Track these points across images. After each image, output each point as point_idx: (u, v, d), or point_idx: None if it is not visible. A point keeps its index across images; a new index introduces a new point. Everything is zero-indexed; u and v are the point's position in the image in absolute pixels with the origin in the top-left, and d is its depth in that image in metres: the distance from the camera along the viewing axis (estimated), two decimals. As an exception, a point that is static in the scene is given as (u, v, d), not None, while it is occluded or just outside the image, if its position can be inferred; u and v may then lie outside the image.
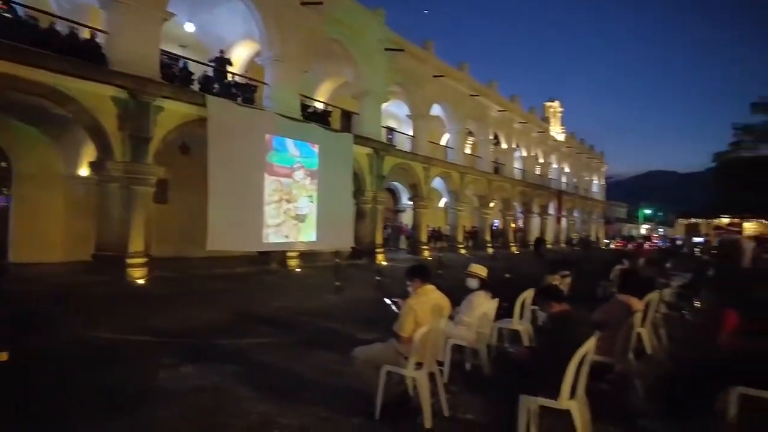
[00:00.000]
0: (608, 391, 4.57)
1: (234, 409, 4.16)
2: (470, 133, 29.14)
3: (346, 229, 16.67)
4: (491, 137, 29.63)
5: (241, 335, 6.91)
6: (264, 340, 6.68)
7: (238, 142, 12.39)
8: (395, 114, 25.58)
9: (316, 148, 14.82)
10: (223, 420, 3.94)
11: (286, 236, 13.97)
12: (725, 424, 3.47)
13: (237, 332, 7.10)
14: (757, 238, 26.65)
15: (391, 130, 24.12)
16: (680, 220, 53.00)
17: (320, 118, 16.48)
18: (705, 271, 7.37)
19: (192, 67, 13.29)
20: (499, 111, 29.44)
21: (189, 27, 15.13)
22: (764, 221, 33.65)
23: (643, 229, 71.19)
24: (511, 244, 31.46)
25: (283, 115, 13.77)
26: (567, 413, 3.28)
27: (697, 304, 5.32)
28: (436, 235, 28.17)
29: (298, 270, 14.13)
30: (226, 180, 12.04)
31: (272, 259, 14.03)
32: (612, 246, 31.21)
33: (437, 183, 25.09)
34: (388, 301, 4.80)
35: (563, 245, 36.98)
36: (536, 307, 5.45)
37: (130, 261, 10.60)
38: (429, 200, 23.49)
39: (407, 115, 23.16)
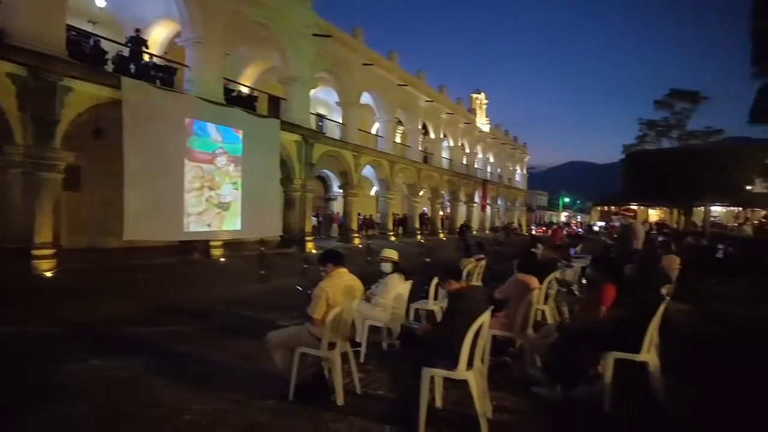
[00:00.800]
0: (509, 362, 4.98)
1: (145, 400, 4.10)
2: (400, 123, 29.55)
3: (274, 218, 16.41)
4: (420, 127, 30.22)
5: (157, 326, 6.72)
6: (181, 330, 6.55)
7: (156, 126, 11.81)
8: (325, 101, 25.42)
9: (239, 134, 14.43)
10: (133, 411, 3.87)
11: (209, 225, 13.56)
12: (603, 385, 3.90)
13: (153, 323, 6.90)
14: (658, 224, 29.28)
15: (320, 117, 23.96)
16: (596, 208, 56.91)
17: (245, 102, 16.02)
18: (606, 253, 8.09)
19: (105, 46, 12.45)
20: (428, 101, 30.05)
21: (100, 1, 14.14)
22: (665, 208, 36.91)
23: (563, 216, 75.86)
24: (440, 231, 32.43)
25: (204, 99, 13.28)
26: (465, 382, 3.54)
27: (584, 281, 5.86)
28: (367, 223, 28.47)
29: (222, 260, 13.79)
30: (143, 166, 11.47)
31: (194, 248, 13.57)
32: (534, 232, 33.03)
33: (368, 171, 25.31)
34: (299, 287, 4.89)
35: (488, 232, 38.58)
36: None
37: (36, 252, 9.86)
38: (359, 188, 23.64)
39: (337, 103, 23.09)
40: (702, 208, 22.45)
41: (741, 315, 7.38)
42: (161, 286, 9.94)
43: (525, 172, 55.76)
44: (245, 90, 17.48)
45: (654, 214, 43.63)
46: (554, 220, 67.55)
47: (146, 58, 13.40)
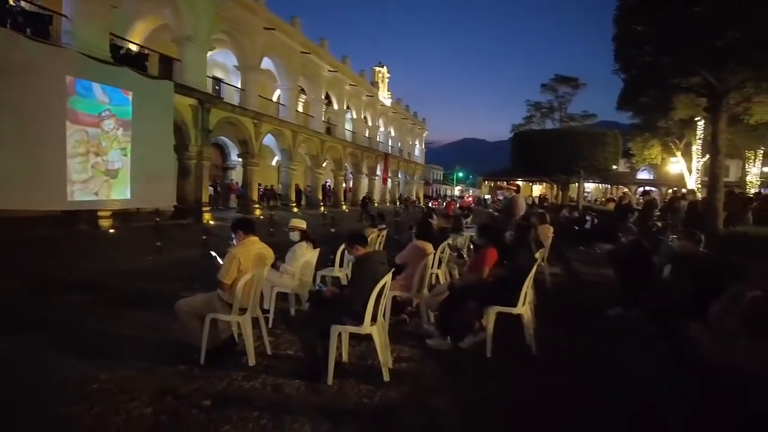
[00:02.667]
0: (406, 319, 5.52)
1: (46, 375, 3.96)
2: (303, 91, 29.09)
3: (167, 186, 15.58)
4: (323, 97, 30.00)
5: (44, 300, 6.32)
6: (73, 303, 6.23)
7: (29, 83, 10.61)
8: (223, 64, 24.20)
9: (129, 96, 13.41)
10: (36, 387, 3.74)
11: (96, 194, 12.60)
12: (485, 335, 4.54)
13: (39, 298, 6.46)
14: (540, 198, 32.15)
15: (218, 81, 22.81)
16: (486, 182, 60.88)
17: (135, 62, 14.80)
18: (490, 223, 8.99)
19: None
20: (331, 71, 29.84)
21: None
22: (547, 184, 40.58)
23: (457, 189, 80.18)
24: (342, 203, 32.82)
25: (87, 55, 12.11)
26: (370, 337, 3.95)
27: (471, 247, 6.58)
28: (268, 194, 27.97)
29: (111, 231, 12.95)
30: (16, 127, 10.30)
31: (80, 219, 12.57)
32: (430, 204, 34.74)
33: (269, 140, 24.75)
34: (213, 253, 4.96)
35: (388, 204, 39.77)
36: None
37: None
38: (260, 158, 23.12)
39: (236, 67, 22.14)
40: (576, 185, 25.16)
41: (596, 274, 8.69)
42: (44, 259, 9.18)
43: (423, 147, 57.81)
44: (135, 48, 16.13)
45: (537, 189, 47.97)
46: (449, 193, 71.16)
47: (11, 1, 11.84)
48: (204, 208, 17.63)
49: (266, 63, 23.59)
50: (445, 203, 27.97)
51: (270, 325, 5.20)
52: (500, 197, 22.09)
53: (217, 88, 22.13)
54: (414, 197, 49.82)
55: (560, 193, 26.95)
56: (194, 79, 16.97)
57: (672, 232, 7.60)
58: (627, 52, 7.65)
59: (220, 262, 4.47)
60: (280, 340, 4.92)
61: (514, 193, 10.04)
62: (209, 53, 18.77)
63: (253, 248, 4.35)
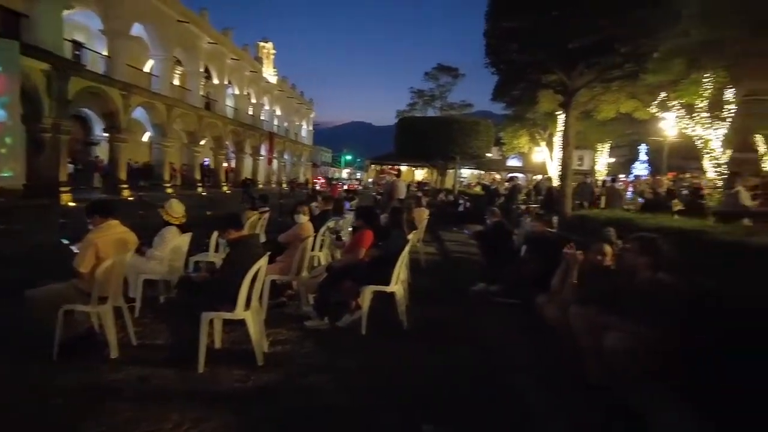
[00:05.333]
0: (285, 302, 5.53)
1: None
2: (179, 63, 27.04)
3: (14, 162, 13.66)
4: (202, 70, 28.19)
5: None
6: None
7: None
8: (85, 26, 21.54)
9: (-39, 55, 11.45)
10: None
11: None
12: (361, 313, 4.73)
13: None
14: (420, 182, 33.54)
15: (79, 45, 20.29)
16: (372, 166, 62.07)
17: (-34, 15, 12.65)
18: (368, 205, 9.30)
19: None
20: (211, 43, 28.11)
21: None
22: (428, 169, 42.49)
23: (345, 172, 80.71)
24: (223, 183, 31.34)
25: None
26: (243, 322, 3.91)
27: (350, 229, 6.78)
28: (139, 173, 25.72)
29: (-61, 212, 11.05)
30: None
31: None
32: (317, 187, 34.59)
33: (140, 114, 22.72)
34: (65, 241, 4.51)
35: (274, 186, 38.82)
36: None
37: None
38: (130, 133, 21.18)
39: (101, 31, 19.87)
40: (453, 170, 26.69)
41: (467, 253, 9.42)
42: None
43: (311, 128, 57.15)
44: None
45: (420, 174, 50.08)
46: (336, 176, 71.39)
47: None
48: (62, 188, 15.76)
49: (138, 30, 21.50)
50: (331, 186, 28.04)
51: (137, 315, 4.89)
52: (383, 181, 22.75)
53: (77, 53, 19.69)
54: (301, 179, 49.18)
55: (440, 178, 28.42)
56: (48, 40, 14.93)
57: (532, 214, 8.48)
58: (496, 47, 8.28)
59: (75, 250, 4.08)
60: (147, 329, 4.65)
61: (394, 178, 10.43)
62: (67, 12, 16.61)
63: (112, 233, 4.03)
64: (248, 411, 3.26)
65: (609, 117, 19.76)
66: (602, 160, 30.25)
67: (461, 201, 17.60)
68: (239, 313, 3.80)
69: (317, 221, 6.53)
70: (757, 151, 22.27)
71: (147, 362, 3.90)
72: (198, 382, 3.62)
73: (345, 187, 36.64)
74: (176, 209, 5.41)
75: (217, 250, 6.43)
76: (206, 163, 33.50)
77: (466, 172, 44.01)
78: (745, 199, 7.30)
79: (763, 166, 21.79)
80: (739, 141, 20.52)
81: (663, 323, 3.03)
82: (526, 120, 26.59)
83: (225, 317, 3.88)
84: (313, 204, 8.40)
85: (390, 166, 32.67)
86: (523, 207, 13.80)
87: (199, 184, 27.65)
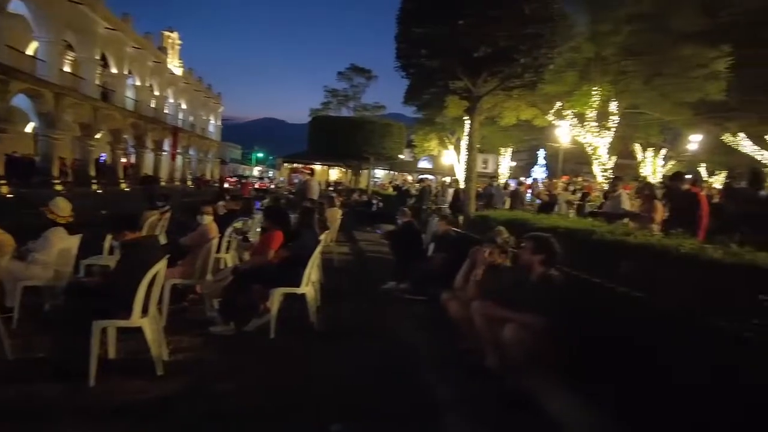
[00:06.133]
0: (187, 307, 5.28)
1: None
2: (70, 47, 24.66)
3: None
4: (98, 58, 25.95)
5: None
6: None
7: None
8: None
9: None
10: None
11: None
12: (270, 317, 4.63)
13: None
14: (335, 182, 33.55)
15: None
16: (285, 164, 60.89)
17: None
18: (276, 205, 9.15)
19: None
20: (108, 29, 25.97)
21: None
22: (343, 169, 42.56)
23: (256, 170, 78.28)
24: (121, 181, 29.10)
25: None
26: (140, 330, 3.66)
27: (258, 229, 6.63)
28: (21, 167, 23.01)
29: None
30: None
31: None
32: (226, 185, 33.21)
33: (22, 102, 20.41)
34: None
35: (178, 183, 36.75)
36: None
37: None
38: (9, 123, 18.92)
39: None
40: (367, 171, 26.98)
41: (379, 252, 9.58)
42: None
43: (219, 123, 54.81)
44: None
45: (335, 174, 49.95)
46: (247, 173, 69.10)
47: None
48: None
49: (18, 6, 19.29)
50: (241, 184, 27.10)
51: (14, 326, 4.39)
52: (295, 180, 22.45)
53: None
54: (208, 176, 47.02)
55: (354, 178, 28.60)
56: None
57: (438, 214, 8.80)
58: (406, 51, 8.49)
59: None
60: (27, 342, 4.19)
61: (307, 177, 10.32)
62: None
63: (-17, 235, 3.60)
64: (146, 424, 3.08)
65: (511, 123, 21.09)
66: (505, 164, 32.17)
67: (374, 201, 17.85)
68: (135, 320, 3.56)
69: (223, 222, 6.28)
70: (636, 157, 24.93)
71: (29, 378, 3.53)
72: (90, 397, 3.34)
73: (256, 185, 35.63)
74: (62, 207, 4.92)
75: (111, 253, 5.94)
76: (103, 158, 30.89)
77: (379, 173, 44.67)
78: (626, 201, 8.12)
79: (641, 171, 24.45)
80: (622, 149, 22.83)
81: (552, 315, 3.30)
82: (435, 124, 27.55)
83: (119, 325, 3.62)
84: (220, 203, 8.08)
85: (303, 165, 32.29)
86: (432, 207, 14.29)
87: (94, 181, 25.39)
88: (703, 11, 14.68)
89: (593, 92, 17.21)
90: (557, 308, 3.34)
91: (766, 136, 18.92)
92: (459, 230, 7.20)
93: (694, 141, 22.34)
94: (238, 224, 6.36)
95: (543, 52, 7.81)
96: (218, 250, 6.00)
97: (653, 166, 24.10)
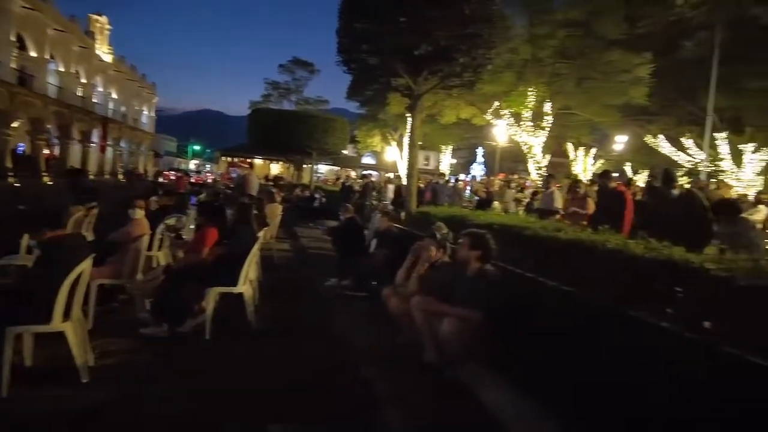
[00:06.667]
0: (117, 308, 5.00)
1: None
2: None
3: None
4: (14, 38, 23.92)
5: None
6: None
7: None
8: None
9: None
10: None
11: None
12: (206, 317, 4.47)
13: None
14: (276, 177, 32.88)
15: None
16: (223, 158, 58.90)
17: None
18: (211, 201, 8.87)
19: None
20: (26, 7, 23.99)
21: None
22: (284, 163, 41.78)
23: (192, 164, 75.21)
24: (44, 173, 27.01)
25: None
26: (62, 334, 3.42)
27: (192, 226, 6.38)
28: None
29: None
30: None
31: None
32: (160, 179, 31.64)
33: None
34: None
35: (108, 177, 34.68)
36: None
37: None
38: None
39: None
40: (309, 166, 26.70)
41: (321, 248, 9.50)
42: None
43: (154, 114, 52.18)
44: None
45: (275, 168, 48.87)
46: (183, 167, 66.31)
47: None
48: None
49: None
50: (176, 178, 25.97)
51: None
52: (233, 174, 21.77)
53: None
54: (142, 169, 44.68)
55: (297, 173, 28.18)
56: None
57: (380, 210, 8.85)
58: (347, 46, 8.44)
59: None
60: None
61: (246, 171, 10.04)
62: None
63: None
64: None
65: (451, 121, 21.56)
66: (446, 161, 32.85)
67: (317, 196, 17.67)
68: (56, 325, 3.31)
69: (155, 218, 5.97)
70: (568, 156, 26.21)
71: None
72: (2, 408, 3.08)
73: (192, 179, 34.30)
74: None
75: (30, 252, 5.52)
76: (21, 148, 28.55)
77: (323, 168, 44.25)
78: (558, 199, 8.52)
79: (573, 169, 25.74)
80: (555, 148, 23.94)
81: (488, 309, 3.40)
82: (379, 120, 27.66)
83: (36, 331, 3.36)
84: (152, 198, 7.70)
85: (241, 159, 31.35)
86: (375, 203, 14.34)
87: (11, 174, 23.40)
88: (626, 20, 15.66)
89: (529, 93, 17.91)
90: (493, 302, 3.45)
91: (681, 138, 20.51)
92: (401, 226, 7.27)
93: (620, 142, 23.76)
94: (170, 221, 6.06)
95: (481, 53, 8.01)
96: (149, 248, 5.73)
97: (584, 165, 25.42)
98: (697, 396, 2.25)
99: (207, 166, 75.24)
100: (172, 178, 26.94)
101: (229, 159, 47.75)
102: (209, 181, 36.62)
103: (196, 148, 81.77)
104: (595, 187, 7.74)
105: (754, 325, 2.30)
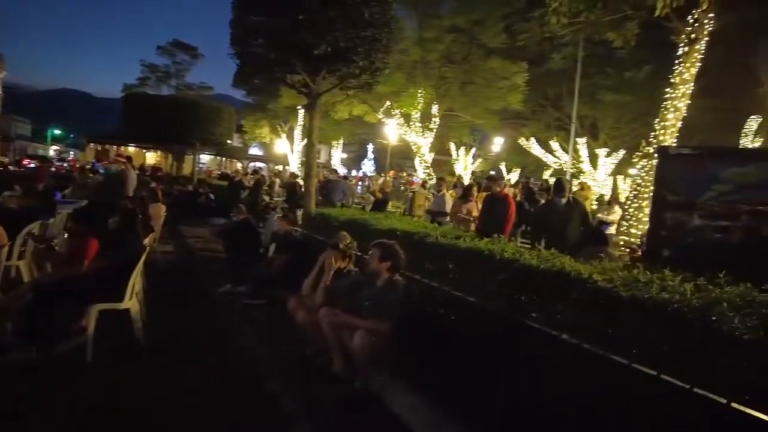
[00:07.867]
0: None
1: None
2: None
3: None
4: None
5: None
6: None
7: None
8: None
9: None
10: None
11: None
12: (86, 339, 3.98)
13: None
14: (153, 168, 30.30)
15: None
16: (92, 145, 52.83)
17: None
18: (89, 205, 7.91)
19: None
20: None
21: None
22: (162, 153, 38.64)
23: (52, 150, 66.32)
24: None
25: None
26: None
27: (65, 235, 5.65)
28: None
29: None
30: None
31: None
32: (11, 168, 27.34)
33: None
34: None
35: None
36: None
37: None
38: None
39: None
40: (192, 156, 25.00)
41: (210, 250, 8.97)
42: None
43: (0, 91, 45.14)
44: None
45: (151, 158, 44.88)
46: (40, 153, 58.32)
47: None
48: None
49: None
50: (36, 167, 22.70)
51: None
52: (100, 170, 19.62)
53: None
54: None
55: (176, 164, 26.19)
56: None
57: (276, 211, 8.61)
58: (242, 39, 8.02)
59: None
60: None
61: (122, 167, 9.07)
62: None
63: None
64: None
65: (343, 117, 21.66)
66: (337, 155, 32.92)
67: (202, 191, 16.62)
68: None
69: (15, 221, 5.12)
70: (451, 155, 27.74)
71: None
72: None
73: (53, 168, 30.27)
74: None
75: None
76: None
77: (205, 158, 41.74)
78: (449, 202, 8.97)
79: (454, 167, 27.31)
80: (439, 146, 25.21)
81: (397, 319, 3.50)
82: (268, 110, 26.82)
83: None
84: (5, 193, 6.62)
85: (118, 153, 28.36)
86: (267, 199, 13.89)
87: None
88: (506, 30, 16.97)
89: (418, 94, 18.64)
90: (401, 312, 3.54)
91: (549, 141, 22.82)
92: (301, 230, 7.11)
93: (498, 143, 25.75)
94: (35, 229, 5.26)
95: (380, 57, 8.10)
96: (8, 257, 4.96)
97: (465, 163, 27.08)
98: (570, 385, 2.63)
99: (71, 152, 66.94)
100: (31, 165, 23.37)
101: (99, 146, 43.14)
102: (75, 174, 32.61)
103: (57, 132, 72.22)
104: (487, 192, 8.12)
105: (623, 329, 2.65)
